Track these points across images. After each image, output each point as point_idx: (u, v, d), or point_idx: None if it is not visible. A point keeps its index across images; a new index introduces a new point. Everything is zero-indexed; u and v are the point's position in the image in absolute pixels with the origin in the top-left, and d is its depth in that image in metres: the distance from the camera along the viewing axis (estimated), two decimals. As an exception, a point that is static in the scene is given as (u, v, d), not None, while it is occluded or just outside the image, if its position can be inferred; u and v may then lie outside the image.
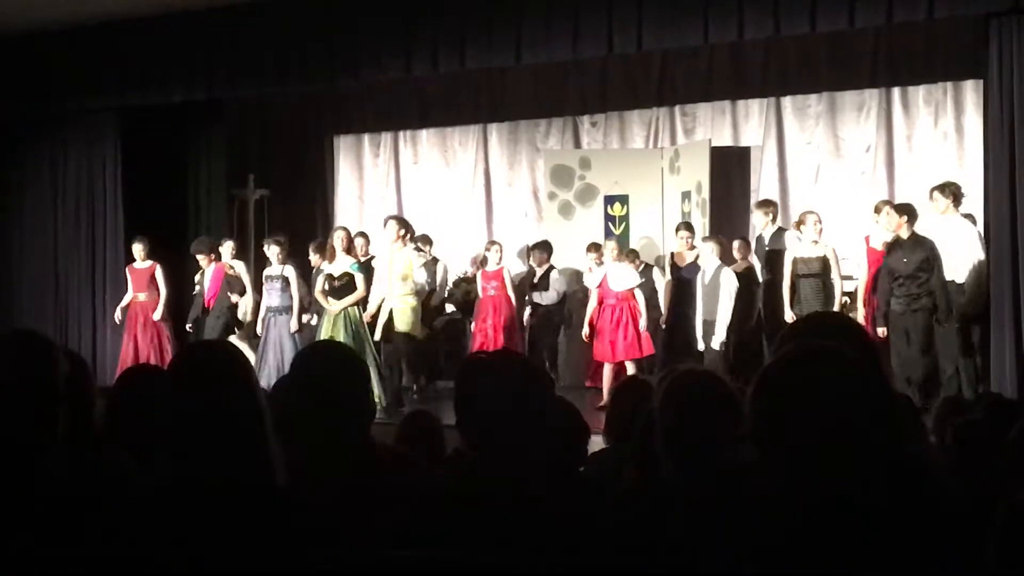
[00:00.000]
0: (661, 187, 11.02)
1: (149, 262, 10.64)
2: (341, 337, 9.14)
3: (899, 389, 6.80)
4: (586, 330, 9.66)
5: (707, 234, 9.93)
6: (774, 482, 1.78)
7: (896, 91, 10.37)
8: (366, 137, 12.66)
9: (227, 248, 10.46)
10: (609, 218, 11.19)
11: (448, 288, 11.00)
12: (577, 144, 11.72)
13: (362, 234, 10.42)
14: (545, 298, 10.21)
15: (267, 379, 9.16)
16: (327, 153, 12.67)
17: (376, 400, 7.72)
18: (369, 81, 10.52)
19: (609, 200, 11.19)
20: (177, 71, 10.58)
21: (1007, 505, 1.76)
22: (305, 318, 9.79)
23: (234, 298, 10.27)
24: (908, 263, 8.19)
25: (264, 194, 11.39)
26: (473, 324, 10.55)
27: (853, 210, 10.07)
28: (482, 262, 10.51)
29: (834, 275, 8.85)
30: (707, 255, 9.21)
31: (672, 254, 10.12)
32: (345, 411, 2.66)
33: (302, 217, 12.12)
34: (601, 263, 10.37)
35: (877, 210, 9.14)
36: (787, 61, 10.64)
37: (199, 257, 10.47)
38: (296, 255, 10.05)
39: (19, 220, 11.78)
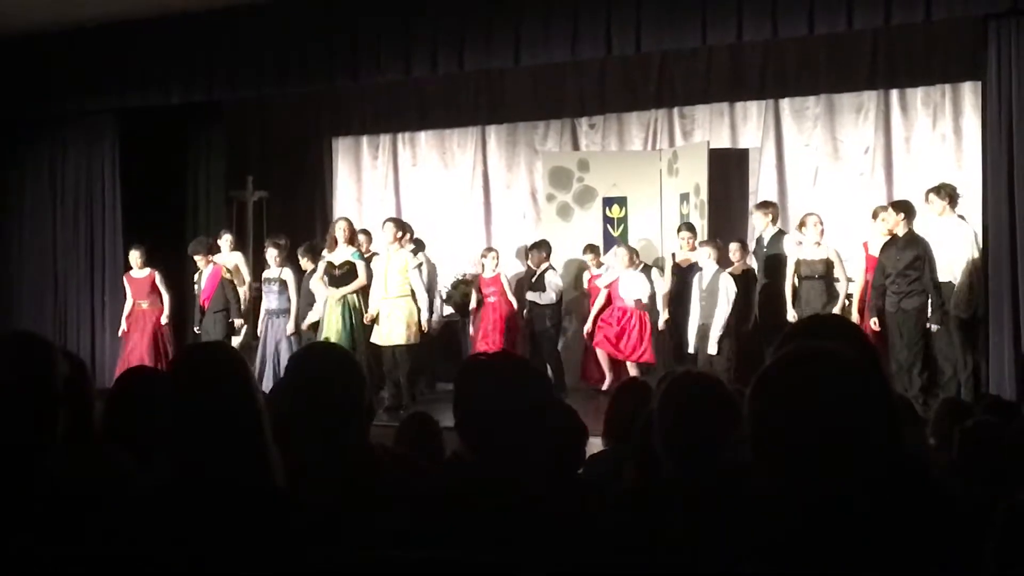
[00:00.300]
0: (660, 189, 11.02)
1: (147, 270, 10.62)
2: (338, 324, 9.15)
3: (897, 389, 6.81)
4: (588, 327, 9.72)
5: (705, 236, 9.95)
6: (774, 482, 1.78)
7: (894, 93, 10.37)
8: (365, 139, 12.65)
9: (225, 240, 10.45)
10: (607, 220, 11.19)
11: (447, 290, 11.00)
12: (575, 146, 11.72)
13: (364, 231, 10.42)
14: (543, 298, 10.21)
15: (265, 381, 9.19)
16: (326, 155, 12.67)
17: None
18: (368, 82, 10.52)
19: (607, 202, 11.19)
20: (176, 72, 10.58)
21: (1007, 505, 1.76)
22: (304, 324, 9.75)
23: (238, 322, 10.22)
24: (899, 260, 8.25)
25: (263, 196, 11.39)
26: (472, 329, 10.57)
27: (851, 212, 10.07)
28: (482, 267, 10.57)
29: (838, 276, 8.87)
30: (705, 259, 9.24)
31: (673, 255, 10.14)
32: (342, 412, 2.66)
33: (301, 219, 12.12)
34: (599, 265, 10.40)
35: (875, 216, 9.15)
36: (785, 63, 10.64)
37: (196, 258, 10.46)
38: (294, 258, 10.06)
39: (18, 220, 11.78)
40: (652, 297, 9.89)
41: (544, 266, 10.34)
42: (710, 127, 11.05)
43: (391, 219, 10.04)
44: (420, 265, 9.72)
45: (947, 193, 8.46)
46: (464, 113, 12.03)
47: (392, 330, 9.36)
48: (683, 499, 2.44)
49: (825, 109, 10.61)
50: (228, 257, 10.41)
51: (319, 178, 12.60)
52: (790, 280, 8.91)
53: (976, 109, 9.19)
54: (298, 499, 2.31)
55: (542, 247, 10.46)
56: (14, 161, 11.74)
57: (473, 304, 10.48)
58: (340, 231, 9.53)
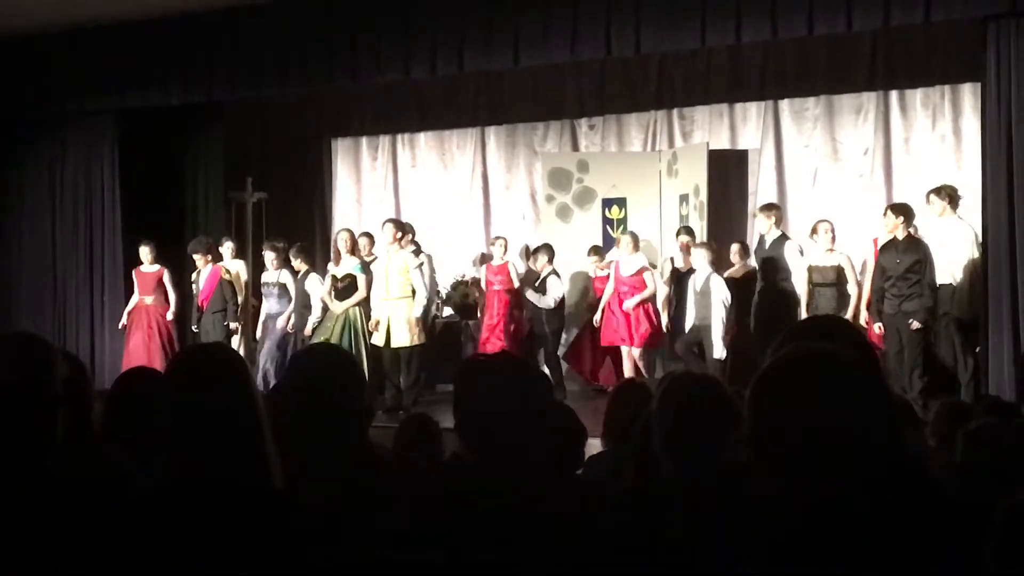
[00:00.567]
0: (659, 190, 11.02)
1: (157, 266, 10.65)
2: (335, 339, 9.14)
3: (896, 390, 6.82)
4: (598, 317, 9.80)
5: (704, 237, 9.95)
6: (774, 482, 1.78)
7: (894, 94, 10.37)
8: (364, 140, 12.65)
9: (227, 248, 10.46)
10: (607, 221, 11.19)
11: (446, 291, 11.00)
12: (575, 147, 11.72)
13: (366, 234, 10.41)
14: (541, 302, 10.20)
15: (265, 382, 9.18)
16: (325, 156, 12.67)
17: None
18: (367, 83, 10.52)
19: (607, 203, 11.19)
20: (176, 73, 10.59)
21: (1007, 505, 1.76)
22: (307, 330, 9.71)
23: (233, 325, 10.22)
24: (900, 264, 8.25)
25: (262, 197, 11.39)
26: (481, 317, 10.59)
27: (851, 213, 10.08)
28: (482, 259, 10.57)
29: (850, 283, 8.88)
30: (699, 261, 9.24)
31: (672, 259, 10.14)
32: (342, 412, 2.66)
33: (300, 220, 12.11)
34: (604, 268, 10.40)
35: (885, 213, 9.14)
36: (785, 64, 10.64)
37: (196, 257, 10.45)
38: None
39: (18, 220, 11.78)
40: (652, 275, 9.95)
41: (547, 270, 10.27)
42: (709, 128, 11.05)
43: (391, 220, 10.05)
44: (421, 265, 9.72)
45: (947, 194, 8.46)
46: (463, 114, 12.03)
47: (396, 332, 9.36)
48: (683, 499, 2.44)
49: (824, 110, 10.61)
50: (230, 265, 10.42)
51: (318, 179, 12.60)
52: (804, 287, 8.93)
53: (975, 110, 9.20)
54: (298, 499, 2.31)
55: (546, 250, 10.39)
56: (14, 161, 11.74)
57: (483, 291, 10.55)
58: (342, 243, 9.55)
